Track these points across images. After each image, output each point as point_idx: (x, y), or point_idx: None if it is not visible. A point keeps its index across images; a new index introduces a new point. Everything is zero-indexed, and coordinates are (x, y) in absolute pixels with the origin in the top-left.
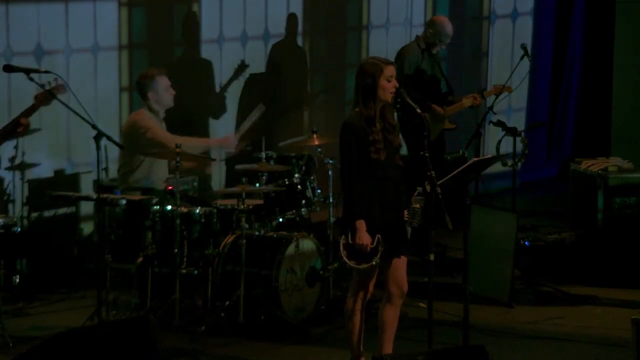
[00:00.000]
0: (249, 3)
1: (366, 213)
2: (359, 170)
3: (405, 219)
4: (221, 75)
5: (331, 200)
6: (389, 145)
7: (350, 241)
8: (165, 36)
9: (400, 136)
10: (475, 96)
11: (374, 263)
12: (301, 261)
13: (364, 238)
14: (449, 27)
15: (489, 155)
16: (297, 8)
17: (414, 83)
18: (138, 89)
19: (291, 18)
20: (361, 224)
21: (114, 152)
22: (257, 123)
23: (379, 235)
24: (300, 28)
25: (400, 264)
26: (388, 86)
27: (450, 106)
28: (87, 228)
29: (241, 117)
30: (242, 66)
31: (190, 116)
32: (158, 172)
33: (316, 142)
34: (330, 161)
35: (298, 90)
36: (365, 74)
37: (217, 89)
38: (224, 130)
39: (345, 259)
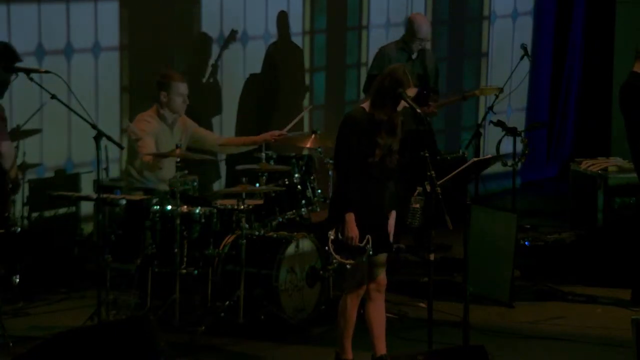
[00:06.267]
0: (249, 3)
1: (356, 209)
2: (355, 166)
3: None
4: (222, 75)
5: None
6: (387, 147)
7: (339, 235)
8: (165, 36)
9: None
10: (457, 98)
11: (364, 259)
12: (301, 261)
13: (353, 230)
14: (424, 26)
15: (489, 155)
16: (297, 8)
17: None
18: (156, 87)
19: (281, 17)
20: (350, 217)
21: (114, 152)
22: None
23: (369, 236)
24: (300, 28)
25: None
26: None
27: (434, 104)
28: (87, 228)
29: (241, 116)
30: (232, 34)
31: (191, 116)
32: (161, 172)
33: (316, 142)
34: (331, 161)
35: (298, 91)
36: (396, 81)
37: (217, 89)
38: (225, 130)
39: (332, 253)
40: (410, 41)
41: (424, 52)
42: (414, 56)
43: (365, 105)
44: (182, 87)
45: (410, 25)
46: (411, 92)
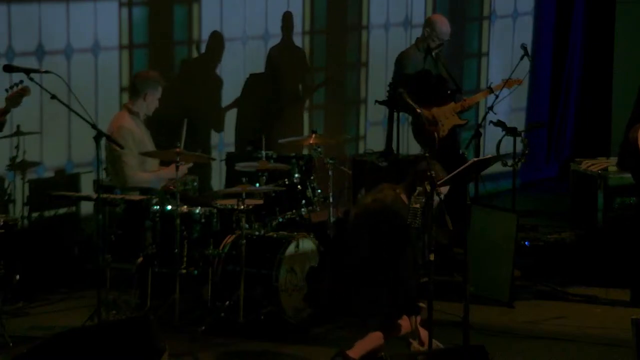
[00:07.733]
0: (249, 3)
1: None
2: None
3: None
4: (221, 74)
5: (331, 200)
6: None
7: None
8: (165, 36)
9: None
10: (485, 93)
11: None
12: (301, 261)
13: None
14: (445, 25)
15: (489, 155)
16: (297, 8)
17: (419, 84)
18: (135, 85)
19: (286, 17)
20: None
21: None
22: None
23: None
24: (300, 28)
25: None
26: None
27: (469, 99)
28: (87, 228)
29: (241, 116)
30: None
31: (191, 116)
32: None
33: (316, 142)
34: (331, 161)
35: (298, 90)
36: (423, 178)
37: (217, 89)
38: (225, 130)
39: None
40: (430, 42)
41: (440, 52)
42: (433, 56)
43: (404, 197)
44: (160, 90)
45: (431, 26)
46: (444, 190)
